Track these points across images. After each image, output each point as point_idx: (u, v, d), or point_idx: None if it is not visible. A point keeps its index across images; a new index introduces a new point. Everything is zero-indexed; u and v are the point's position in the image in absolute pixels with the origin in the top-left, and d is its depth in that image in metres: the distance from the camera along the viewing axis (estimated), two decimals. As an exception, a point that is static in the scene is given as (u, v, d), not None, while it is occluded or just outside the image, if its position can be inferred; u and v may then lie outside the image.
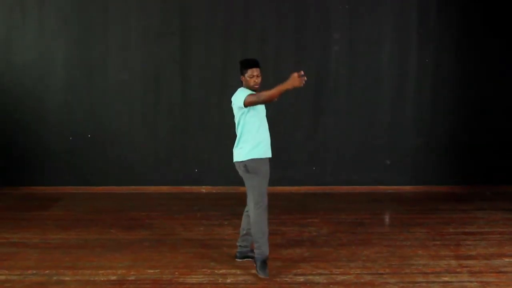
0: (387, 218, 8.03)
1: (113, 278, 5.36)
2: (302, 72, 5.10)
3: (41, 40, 9.45)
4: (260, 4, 9.53)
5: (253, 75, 5.44)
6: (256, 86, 5.47)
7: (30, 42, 9.44)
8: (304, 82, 5.10)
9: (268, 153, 5.53)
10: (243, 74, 5.51)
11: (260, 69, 5.50)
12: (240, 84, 5.56)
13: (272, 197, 8.91)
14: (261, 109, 5.54)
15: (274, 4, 9.54)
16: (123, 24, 9.49)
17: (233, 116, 5.57)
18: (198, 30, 9.51)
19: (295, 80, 5.09)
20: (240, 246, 5.85)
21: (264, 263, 5.42)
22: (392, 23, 9.64)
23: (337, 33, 9.59)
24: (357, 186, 9.64)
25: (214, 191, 9.41)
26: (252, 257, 5.64)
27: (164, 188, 9.55)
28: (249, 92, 5.39)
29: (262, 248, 5.43)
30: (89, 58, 9.51)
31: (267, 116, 5.62)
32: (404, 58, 9.67)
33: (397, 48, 9.66)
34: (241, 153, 5.47)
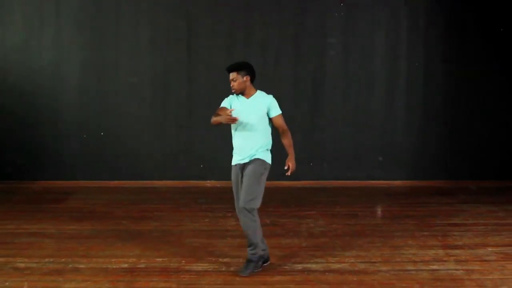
0: (379, 211, 8.03)
1: (125, 266, 5.36)
2: (232, 113, 5.03)
3: (58, 46, 9.45)
4: (261, 12, 9.54)
5: (229, 80, 5.30)
6: (233, 90, 5.32)
7: (47, 47, 9.45)
8: (234, 121, 5.02)
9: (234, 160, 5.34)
10: None
11: (238, 72, 5.25)
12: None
13: (271, 191, 8.93)
14: (242, 117, 5.20)
15: (274, 12, 9.54)
16: (133, 31, 9.50)
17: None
18: (203, 36, 9.51)
19: (224, 118, 5.00)
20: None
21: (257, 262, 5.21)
22: (384, 29, 9.66)
23: (332, 38, 9.60)
24: (351, 181, 9.65)
25: (218, 185, 9.41)
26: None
27: (172, 183, 9.56)
28: (223, 103, 5.35)
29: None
30: (102, 62, 9.52)
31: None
32: (396, 61, 9.69)
33: (389, 52, 9.67)
34: (259, 153, 5.31)
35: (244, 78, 5.27)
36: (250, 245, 5.18)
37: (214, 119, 5.13)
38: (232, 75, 5.27)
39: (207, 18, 9.51)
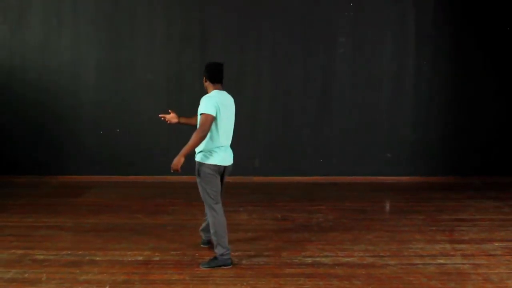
0: (387, 206, 8.00)
1: (140, 258, 5.38)
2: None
3: (75, 44, 9.47)
4: (271, 12, 9.50)
5: None
6: None
7: (65, 46, 9.47)
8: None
9: None
10: None
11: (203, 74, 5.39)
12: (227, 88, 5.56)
13: (282, 186, 8.98)
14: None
15: (284, 12, 9.50)
16: (149, 30, 9.50)
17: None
18: (216, 35, 9.49)
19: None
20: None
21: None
22: (392, 28, 9.59)
23: (342, 37, 9.56)
24: (360, 177, 9.60)
25: (230, 181, 9.34)
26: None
27: (186, 178, 9.53)
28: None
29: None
30: (118, 60, 9.52)
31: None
32: (403, 59, 9.62)
33: (396, 51, 9.60)
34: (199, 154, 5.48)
35: (204, 79, 5.39)
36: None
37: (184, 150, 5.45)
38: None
39: (220, 17, 9.49)
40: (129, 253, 5.54)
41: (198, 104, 5.24)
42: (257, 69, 9.52)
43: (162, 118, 5.55)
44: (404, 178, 9.64)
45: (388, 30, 9.60)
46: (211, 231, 5.21)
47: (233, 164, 5.48)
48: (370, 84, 9.64)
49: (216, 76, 5.32)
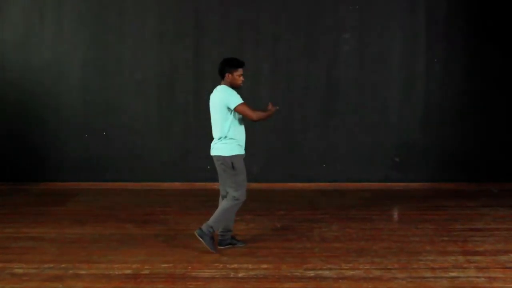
0: (395, 215, 7.99)
1: (128, 272, 5.36)
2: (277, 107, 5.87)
3: (59, 41, 9.49)
4: (271, 5, 9.52)
5: (241, 74, 5.87)
6: (241, 84, 5.92)
7: (47, 43, 9.49)
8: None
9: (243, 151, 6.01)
10: (230, 72, 5.85)
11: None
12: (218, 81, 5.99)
13: (283, 193, 8.96)
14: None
15: (286, 5, 9.52)
16: (138, 25, 9.52)
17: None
18: (211, 31, 9.51)
19: (273, 111, 5.84)
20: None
21: (212, 238, 5.91)
22: (401, 23, 9.60)
23: (347, 33, 9.57)
24: (366, 183, 9.60)
25: (227, 188, 9.38)
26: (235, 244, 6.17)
27: (178, 185, 9.56)
28: (238, 96, 5.79)
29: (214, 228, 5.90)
30: (105, 58, 9.54)
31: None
32: (413, 58, 9.63)
33: (405, 48, 9.61)
34: (225, 148, 5.84)
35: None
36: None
37: (264, 114, 5.82)
38: (242, 71, 5.91)
39: (216, 12, 9.50)
40: (116, 266, 5.52)
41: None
42: (256, 68, 9.50)
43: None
44: (414, 185, 9.63)
45: (396, 26, 9.60)
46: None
47: (213, 158, 6.04)
48: (377, 84, 9.64)
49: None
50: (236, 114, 5.82)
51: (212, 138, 6.02)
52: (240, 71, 5.85)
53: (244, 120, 5.94)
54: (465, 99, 9.66)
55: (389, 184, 9.61)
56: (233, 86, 5.87)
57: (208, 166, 9.49)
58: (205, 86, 9.45)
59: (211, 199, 8.61)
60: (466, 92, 9.65)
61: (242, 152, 5.94)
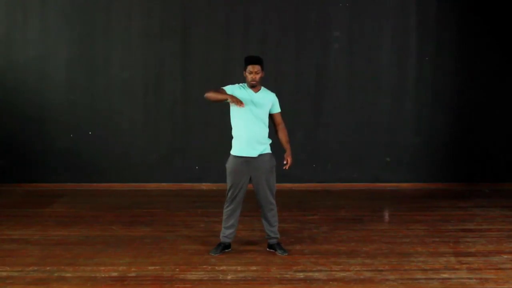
0: (386, 215, 8.02)
1: (114, 274, 5.35)
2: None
3: (43, 39, 9.43)
4: (260, 1, 9.52)
5: (251, 71, 5.76)
6: (253, 82, 5.78)
7: (31, 40, 9.43)
8: (242, 105, 5.58)
9: None
10: (244, 69, 5.82)
11: (261, 66, 5.79)
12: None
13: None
14: (253, 109, 5.81)
15: (274, 2, 9.52)
16: (125, 23, 9.48)
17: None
18: (198, 29, 9.50)
19: (234, 99, 5.60)
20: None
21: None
22: (391, 21, 9.63)
23: (337, 31, 9.59)
24: (357, 184, 9.63)
25: (215, 188, 9.39)
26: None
27: (165, 185, 9.54)
28: (228, 86, 5.85)
29: None
30: (91, 56, 9.50)
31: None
32: (404, 56, 9.66)
33: (396, 47, 9.65)
34: (267, 147, 5.93)
35: (263, 73, 5.84)
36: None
37: (218, 95, 5.67)
38: (257, 68, 5.78)
39: (203, 10, 9.49)
40: (102, 268, 5.50)
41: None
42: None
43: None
44: (405, 185, 9.67)
45: (387, 24, 9.63)
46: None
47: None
48: (368, 82, 9.66)
49: None
50: (232, 108, 5.84)
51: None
52: (249, 68, 5.76)
53: (254, 120, 5.79)
54: (456, 98, 9.71)
55: (380, 184, 9.65)
56: (247, 83, 5.84)
57: (196, 167, 9.53)
58: (192, 85, 9.48)
59: (198, 200, 8.64)
60: (457, 91, 9.70)
61: (242, 153, 5.82)
